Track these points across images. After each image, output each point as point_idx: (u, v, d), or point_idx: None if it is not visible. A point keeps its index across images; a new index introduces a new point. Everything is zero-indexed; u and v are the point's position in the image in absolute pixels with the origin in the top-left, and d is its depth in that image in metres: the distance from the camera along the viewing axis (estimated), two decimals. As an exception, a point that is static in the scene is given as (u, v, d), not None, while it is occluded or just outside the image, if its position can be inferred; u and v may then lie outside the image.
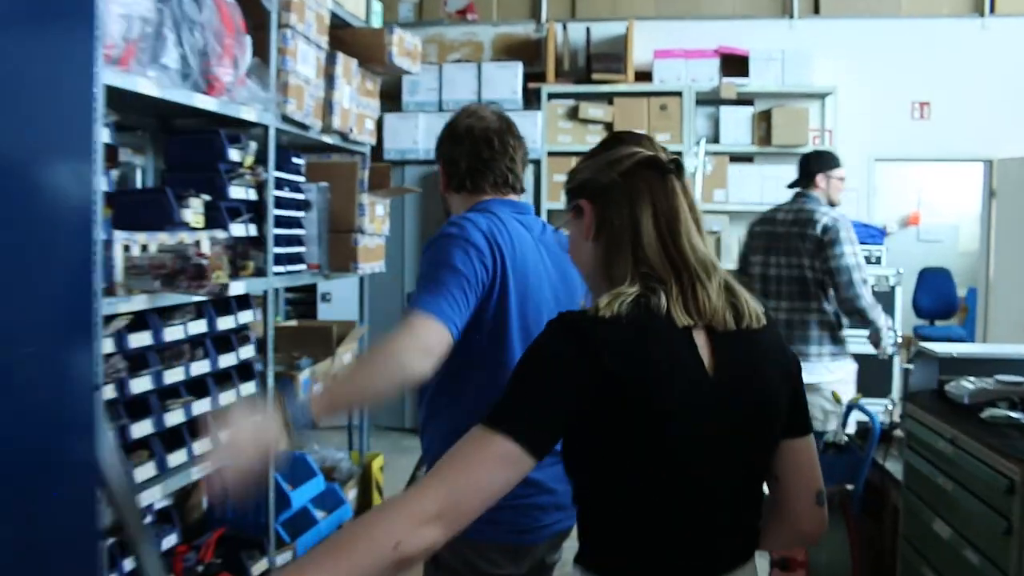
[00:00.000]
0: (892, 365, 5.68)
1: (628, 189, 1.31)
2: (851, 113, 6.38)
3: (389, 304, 6.79)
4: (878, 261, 5.75)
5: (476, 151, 1.96)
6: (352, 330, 4.10)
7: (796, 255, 3.80)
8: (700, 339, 1.27)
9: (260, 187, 3.32)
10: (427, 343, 1.65)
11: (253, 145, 3.18)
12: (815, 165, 3.97)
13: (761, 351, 1.32)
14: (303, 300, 7.04)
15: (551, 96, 6.44)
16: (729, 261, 6.24)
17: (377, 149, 6.64)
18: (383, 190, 3.89)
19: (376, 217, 3.96)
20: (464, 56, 6.85)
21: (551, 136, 6.41)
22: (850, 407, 3.10)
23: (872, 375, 5.70)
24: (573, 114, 6.39)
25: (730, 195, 6.30)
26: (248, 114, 3.13)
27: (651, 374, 1.22)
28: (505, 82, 6.42)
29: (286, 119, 3.40)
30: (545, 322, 1.31)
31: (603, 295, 1.27)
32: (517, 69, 6.42)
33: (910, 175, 8.50)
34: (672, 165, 1.33)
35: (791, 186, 4.04)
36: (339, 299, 6.85)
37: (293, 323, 4.54)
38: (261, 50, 3.24)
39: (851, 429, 3.19)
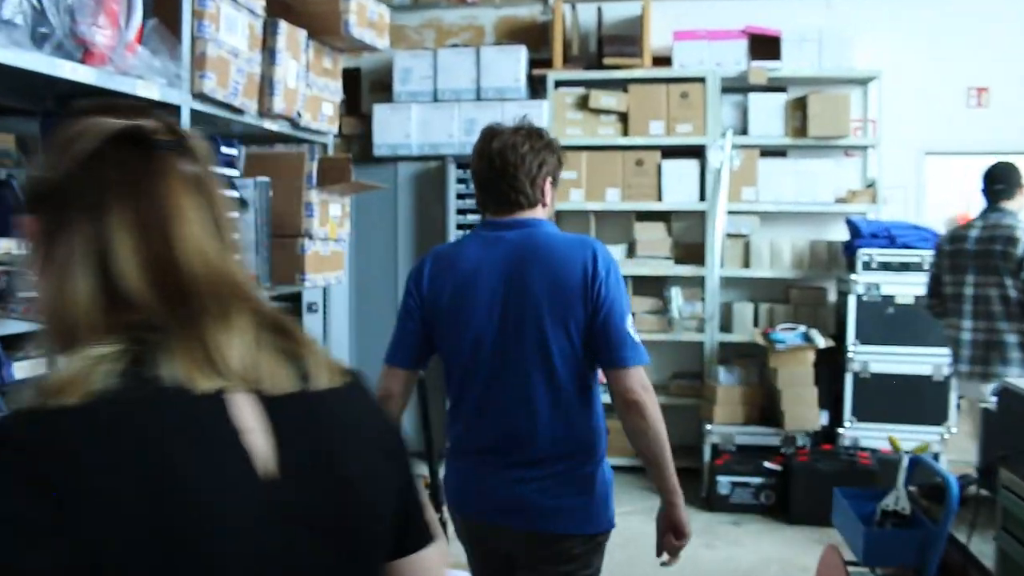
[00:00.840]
0: (947, 387, 4.95)
1: (89, 185, 0.83)
2: (898, 101, 5.63)
3: (383, 314, 6.15)
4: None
5: (479, 174, 2.12)
6: (308, 353, 3.45)
7: (995, 273, 3.70)
8: (245, 411, 0.82)
9: (173, 182, 2.69)
10: (383, 388, 2.10)
11: (153, 129, 2.54)
12: (1020, 176, 3.87)
13: (348, 423, 0.90)
14: (287, 311, 6.42)
15: (558, 84, 5.77)
16: (761, 268, 5.54)
17: (366, 144, 6.03)
18: (337, 186, 3.24)
19: (330, 219, 3.31)
20: (464, 42, 6.20)
21: (558, 129, 5.73)
22: (914, 461, 2.39)
23: (921, 398, 4.98)
24: (583, 104, 5.71)
25: (760, 193, 5.59)
26: (145, 90, 2.49)
27: (169, 510, 0.74)
28: (507, 69, 5.75)
29: (204, 98, 2.76)
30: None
31: (63, 362, 0.80)
32: (520, 54, 5.75)
33: (957, 171, 7.71)
34: (168, 137, 0.86)
35: (991, 199, 3.93)
36: (328, 309, 6.21)
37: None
38: (170, 13, 2.61)
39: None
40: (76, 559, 0.71)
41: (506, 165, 2.03)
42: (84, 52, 2.27)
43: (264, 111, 3.11)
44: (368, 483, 0.89)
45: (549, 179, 2.10)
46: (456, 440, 2.16)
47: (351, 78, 6.49)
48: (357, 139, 6.19)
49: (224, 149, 2.99)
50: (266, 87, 3.09)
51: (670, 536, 2.08)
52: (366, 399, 0.97)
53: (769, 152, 5.68)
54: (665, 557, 2.11)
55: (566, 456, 2.01)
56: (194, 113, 2.76)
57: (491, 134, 2.11)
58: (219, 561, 0.77)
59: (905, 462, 2.40)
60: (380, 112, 5.90)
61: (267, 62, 3.07)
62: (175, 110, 2.67)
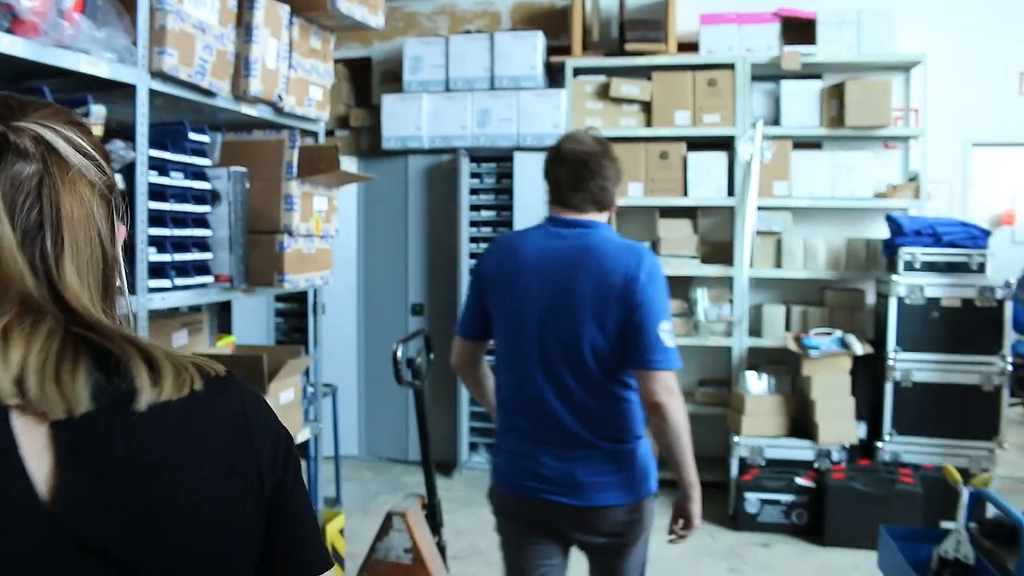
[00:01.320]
0: (999, 398, 4.55)
1: None
2: (943, 88, 5.23)
3: (393, 315, 5.86)
4: (981, 269, 4.60)
5: (562, 173, 2.24)
6: (293, 360, 3.14)
7: None
8: (27, 430, 0.74)
9: (129, 171, 2.40)
10: (453, 357, 2.39)
11: (99, 110, 2.24)
12: None
13: (176, 443, 0.80)
14: (296, 312, 6.14)
15: (577, 72, 5.43)
16: (793, 269, 5.16)
17: (376, 137, 5.74)
18: (321, 176, 2.93)
19: (314, 213, 3.00)
20: (479, 29, 5.87)
21: (577, 119, 5.39)
22: (975, 496, 2.03)
23: (969, 410, 4.58)
24: (604, 92, 5.37)
25: (793, 188, 5.21)
26: (91, 66, 2.20)
27: None
28: (523, 56, 5.42)
29: (164, 77, 2.46)
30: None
31: None
32: (536, 40, 5.41)
33: (1002, 164, 7.23)
34: None
35: None
36: (336, 312, 5.93)
37: (226, 350, 3.59)
38: (124, -20, 2.32)
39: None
40: None
41: (594, 169, 2.20)
42: (12, 20, 1.98)
43: (239, 94, 2.81)
44: (200, 511, 0.81)
45: (617, 188, 2.29)
46: (502, 419, 2.29)
47: (362, 68, 6.22)
48: (367, 131, 5.90)
49: (193, 136, 2.69)
50: (242, 67, 2.79)
51: (679, 523, 2.25)
52: (220, 411, 0.85)
53: (803, 144, 5.31)
54: (672, 537, 2.28)
55: (605, 439, 2.15)
56: (155, 94, 2.47)
57: (576, 138, 2.27)
58: None
59: (965, 497, 2.04)
60: (389, 103, 5.60)
61: (243, 39, 2.77)
62: (130, 89, 2.38)
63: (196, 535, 0.80)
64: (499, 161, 5.56)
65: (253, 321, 5.94)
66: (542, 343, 2.13)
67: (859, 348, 4.69)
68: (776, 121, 5.26)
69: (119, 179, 2.38)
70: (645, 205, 5.35)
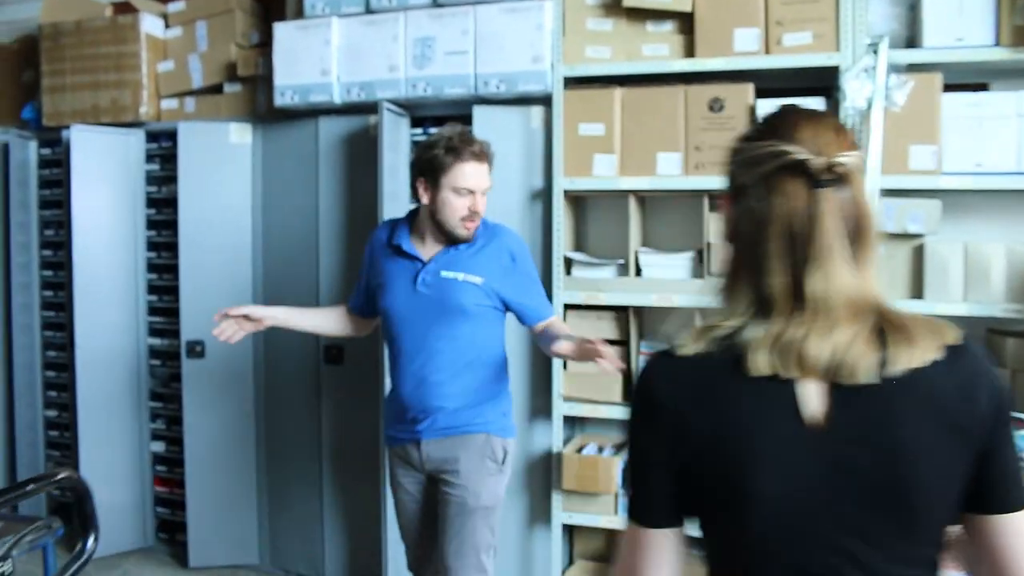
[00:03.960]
0: None
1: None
2: None
3: (300, 364, 3.86)
4: None
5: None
6: None
7: None
8: (810, 392, 1.08)
9: None
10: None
11: None
12: None
13: (911, 400, 1.07)
14: (176, 352, 4.19)
15: (573, -28, 3.34)
16: (945, 298, 2.93)
17: (267, 86, 3.76)
18: None
19: None
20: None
21: (572, 49, 3.29)
22: None
23: None
24: (616, 3, 3.25)
25: (946, 157, 2.98)
26: None
27: (728, 431, 1.09)
28: (484, -52, 3.34)
29: None
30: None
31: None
32: (504, -80, 3.33)
33: None
34: (827, 176, 1.09)
35: None
36: (221, 354, 3.95)
37: None
38: None
39: None
40: (672, 457, 1.12)
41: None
42: None
43: None
44: (915, 448, 1.07)
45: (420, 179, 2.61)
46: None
47: (272, -3, 4.24)
48: (265, 84, 3.92)
49: None
50: None
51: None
52: (951, 377, 1.08)
53: (962, 82, 3.07)
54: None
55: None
56: None
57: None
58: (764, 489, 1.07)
59: None
60: (283, 35, 3.60)
61: None
62: None
63: (921, 471, 1.05)
64: (451, 120, 3.49)
65: (122, 363, 4.09)
66: None
67: (1086, 457, 2.44)
68: (912, 42, 3.04)
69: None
70: (684, 189, 3.20)
